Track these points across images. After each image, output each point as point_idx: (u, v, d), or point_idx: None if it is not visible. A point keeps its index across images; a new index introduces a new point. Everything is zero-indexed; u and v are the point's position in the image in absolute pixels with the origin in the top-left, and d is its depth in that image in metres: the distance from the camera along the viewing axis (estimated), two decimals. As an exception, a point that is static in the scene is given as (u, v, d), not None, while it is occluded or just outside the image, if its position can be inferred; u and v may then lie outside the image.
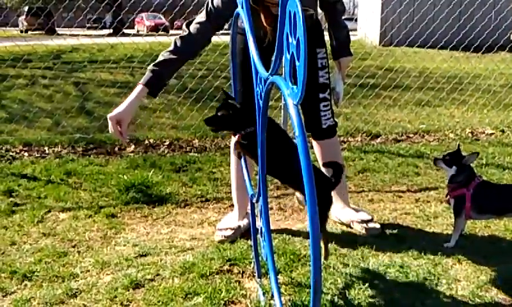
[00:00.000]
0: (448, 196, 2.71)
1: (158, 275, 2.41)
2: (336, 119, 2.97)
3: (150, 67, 2.47)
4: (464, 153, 2.70)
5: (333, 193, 2.47)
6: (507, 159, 4.36)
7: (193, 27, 2.56)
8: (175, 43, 2.52)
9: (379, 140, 5.16)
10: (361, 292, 2.25)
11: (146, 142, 4.95)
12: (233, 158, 2.96)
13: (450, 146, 4.77)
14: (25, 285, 2.36)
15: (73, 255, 2.66)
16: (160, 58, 2.51)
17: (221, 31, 2.73)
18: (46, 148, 4.74)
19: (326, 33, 2.92)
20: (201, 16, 2.59)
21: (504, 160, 4.33)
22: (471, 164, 2.68)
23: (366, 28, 14.55)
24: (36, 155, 4.56)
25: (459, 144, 2.77)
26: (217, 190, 3.64)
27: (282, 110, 5.06)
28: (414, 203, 3.39)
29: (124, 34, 13.54)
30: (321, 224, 2.28)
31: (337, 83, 2.96)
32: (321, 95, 2.84)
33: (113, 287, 2.30)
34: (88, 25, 27.95)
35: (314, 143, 2.98)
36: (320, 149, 2.96)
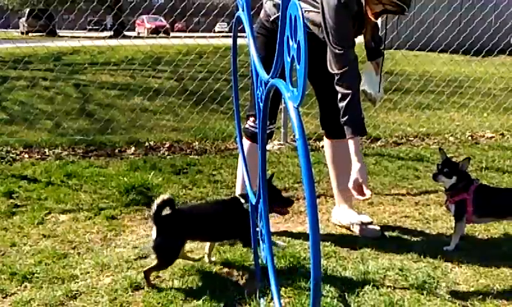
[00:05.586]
0: (448, 202, 2.71)
1: (158, 277, 2.42)
2: None
3: None
4: (454, 160, 2.71)
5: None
6: (507, 162, 4.36)
7: None
8: None
9: (379, 143, 5.16)
10: (361, 295, 2.25)
11: (147, 144, 4.95)
12: (240, 161, 2.94)
13: (450, 150, 4.78)
14: (25, 287, 2.36)
15: (73, 257, 2.66)
16: None
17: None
18: (46, 150, 4.74)
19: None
20: None
21: (503, 164, 4.33)
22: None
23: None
24: (37, 157, 4.56)
25: (442, 151, 2.73)
26: (218, 192, 3.64)
27: (282, 113, 5.07)
28: (414, 206, 3.39)
29: (125, 37, 13.59)
30: None
31: (375, 83, 2.95)
32: None
33: (113, 289, 2.31)
34: (88, 27, 27.94)
35: (326, 143, 3.00)
36: (331, 149, 2.97)
